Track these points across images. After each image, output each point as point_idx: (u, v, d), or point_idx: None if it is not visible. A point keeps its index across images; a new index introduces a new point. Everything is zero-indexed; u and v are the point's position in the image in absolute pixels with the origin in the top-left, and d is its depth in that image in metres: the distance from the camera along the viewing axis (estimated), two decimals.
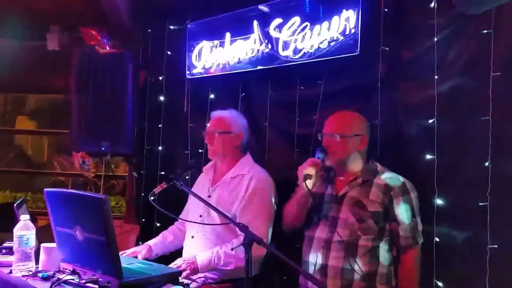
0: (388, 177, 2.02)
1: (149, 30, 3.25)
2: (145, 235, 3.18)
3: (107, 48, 3.20)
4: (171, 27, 3.14)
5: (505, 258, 1.86)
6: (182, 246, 2.44)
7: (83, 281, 1.70)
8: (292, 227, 2.20)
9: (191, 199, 2.47)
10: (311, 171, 1.99)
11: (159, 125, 3.19)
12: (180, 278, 1.96)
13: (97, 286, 1.67)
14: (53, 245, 1.86)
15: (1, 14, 3.35)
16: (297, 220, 2.16)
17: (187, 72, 2.98)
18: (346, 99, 2.37)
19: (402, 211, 1.96)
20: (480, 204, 1.90)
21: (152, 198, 2.13)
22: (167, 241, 2.45)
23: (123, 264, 1.88)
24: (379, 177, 2.02)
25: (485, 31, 1.91)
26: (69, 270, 1.75)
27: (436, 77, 2.05)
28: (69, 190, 1.69)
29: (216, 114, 2.43)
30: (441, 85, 2.04)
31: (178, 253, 2.44)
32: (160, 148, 3.19)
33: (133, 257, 2.21)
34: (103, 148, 2.91)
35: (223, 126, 2.35)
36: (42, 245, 1.91)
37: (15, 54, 3.61)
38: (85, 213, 1.62)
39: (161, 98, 3.18)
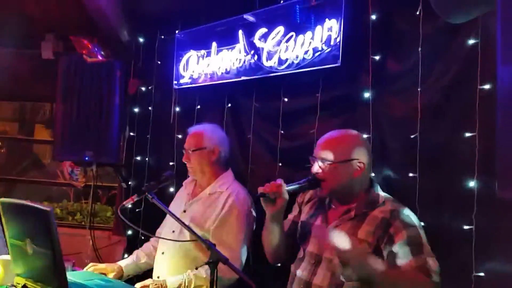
0: (389, 209, 1.67)
1: (141, 40, 3.21)
2: (131, 248, 3.11)
3: (99, 57, 3.18)
4: (162, 36, 3.10)
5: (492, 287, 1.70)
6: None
7: None
8: (273, 258, 1.95)
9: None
10: (267, 190, 1.73)
11: (147, 136, 3.14)
12: None
13: None
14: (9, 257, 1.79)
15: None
16: (271, 249, 1.90)
17: (175, 82, 2.92)
18: (331, 112, 2.27)
19: (404, 250, 1.57)
20: (465, 227, 1.76)
21: (132, 209, 2.06)
22: (140, 262, 2.36)
23: (81, 280, 1.82)
24: (378, 209, 1.69)
25: (471, 41, 1.79)
26: (19, 285, 1.67)
27: (419, 89, 1.92)
28: (20, 201, 1.61)
29: (191, 130, 2.35)
30: (425, 98, 1.90)
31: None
32: (147, 158, 3.13)
33: (98, 273, 2.12)
34: (86, 158, 2.85)
35: (196, 143, 2.27)
36: None
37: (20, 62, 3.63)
38: (34, 225, 1.55)
39: (150, 108, 3.12)
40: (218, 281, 1.98)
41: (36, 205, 1.51)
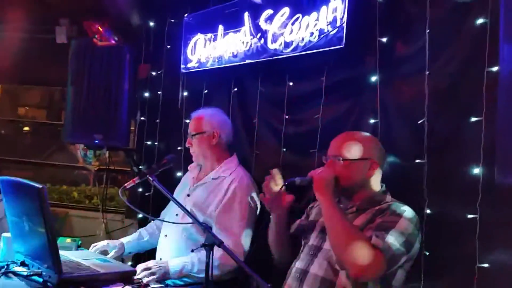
0: (390, 203, 1.69)
1: (151, 24, 3.21)
2: None
3: (111, 41, 3.19)
4: (172, 20, 3.08)
5: (496, 278, 1.63)
6: (156, 245, 2.37)
7: (31, 273, 1.65)
8: (280, 257, 1.96)
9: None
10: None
11: (157, 120, 3.15)
12: (145, 279, 1.89)
13: (41, 279, 1.62)
14: None
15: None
16: (281, 247, 1.94)
17: (182, 66, 2.90)
18: (337, 96, 2.21)
19: (376, 224, 1.61)
20: (468, 216, 1.68)
21: (132, 191, 2.08)
22: (142, 240, 2.39)
23: (79, 259, 1.84)
24: (380, 205, 1.70)
25: (480, 21, 1.69)
26: (19, 261, 1.71)
27: (427, 73, 1.84)
28: (14, 178, 1.64)
29: (192, 115, 2.37)
30: (432, 82, 1.82)
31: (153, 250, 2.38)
32: (156, 143, 3.15)
33: (98, 252, 2.15)
34: (96, 141, 2.88)
35: (196, 127, 2.29)
36: (3, 234, 1.90)
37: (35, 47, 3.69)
38: (28, 202, 1.58)
39: (159, 92, 3.13)
40: (220, 267, 2.00)
41: (29, 182, 1.53)
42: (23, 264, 1.70)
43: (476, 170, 1.66)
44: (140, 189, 3.20)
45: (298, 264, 1.79)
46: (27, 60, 3.52)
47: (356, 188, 1.76)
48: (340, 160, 1.73)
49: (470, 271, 1.65)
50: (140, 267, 1.98)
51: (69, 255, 1.90)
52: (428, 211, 1.80)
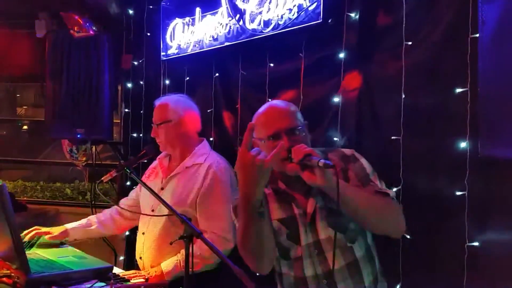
0: None
1: (130, 11, 3.11)
2: None
3: (90, 32, 3.09)
4: (150, 6, 2.98)
5: (486, 258, 1.54)
6: (108, 235, 2.39)
7: (1, 275, 1.59)
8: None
9: (143, 191, 2.28)
10: None
11: (141, 111, 3.06)
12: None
13: (12, 281, 1.55)
14: None
15: None
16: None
17: (162, 53, 2.81)
18: (317, 75, 2.11)
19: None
20: (457, 193, 1.59)
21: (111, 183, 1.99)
22: (89, 228, 2.27)
23: (54, 257, 1.77)
24: None
25: None
26: None
27: (406, 44, 1.73)
28: None
29: (156, 102, 2.21)
30: (413, 54, 1.71)
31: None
32: (141, 134, 3.07)
33: (72, 249, 2.08)
34: (78, 135, 2.80)
35: (160, 116, 2.14)
36: None
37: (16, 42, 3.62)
38: None
39: (141, 82, 3.04)
40: (212, 257, 1.93)
41: None
42: None
43: (463, 144, 1.57)
44: (128, 183, 3.14)
45: (310, 272, 1.50)
46: (10, 56, 3.43)
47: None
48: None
49: (460, 251, 1.58)
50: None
51: (45, 253, 1.83)
52: (406, 188, 1.72)
